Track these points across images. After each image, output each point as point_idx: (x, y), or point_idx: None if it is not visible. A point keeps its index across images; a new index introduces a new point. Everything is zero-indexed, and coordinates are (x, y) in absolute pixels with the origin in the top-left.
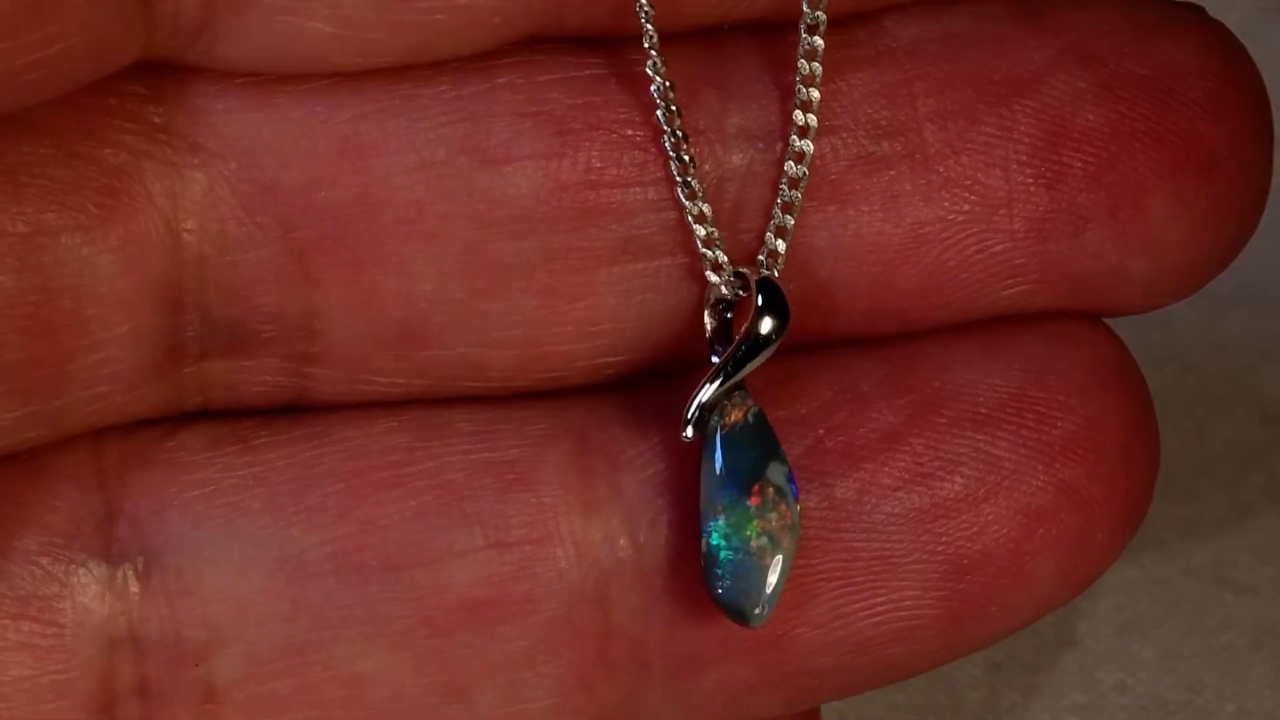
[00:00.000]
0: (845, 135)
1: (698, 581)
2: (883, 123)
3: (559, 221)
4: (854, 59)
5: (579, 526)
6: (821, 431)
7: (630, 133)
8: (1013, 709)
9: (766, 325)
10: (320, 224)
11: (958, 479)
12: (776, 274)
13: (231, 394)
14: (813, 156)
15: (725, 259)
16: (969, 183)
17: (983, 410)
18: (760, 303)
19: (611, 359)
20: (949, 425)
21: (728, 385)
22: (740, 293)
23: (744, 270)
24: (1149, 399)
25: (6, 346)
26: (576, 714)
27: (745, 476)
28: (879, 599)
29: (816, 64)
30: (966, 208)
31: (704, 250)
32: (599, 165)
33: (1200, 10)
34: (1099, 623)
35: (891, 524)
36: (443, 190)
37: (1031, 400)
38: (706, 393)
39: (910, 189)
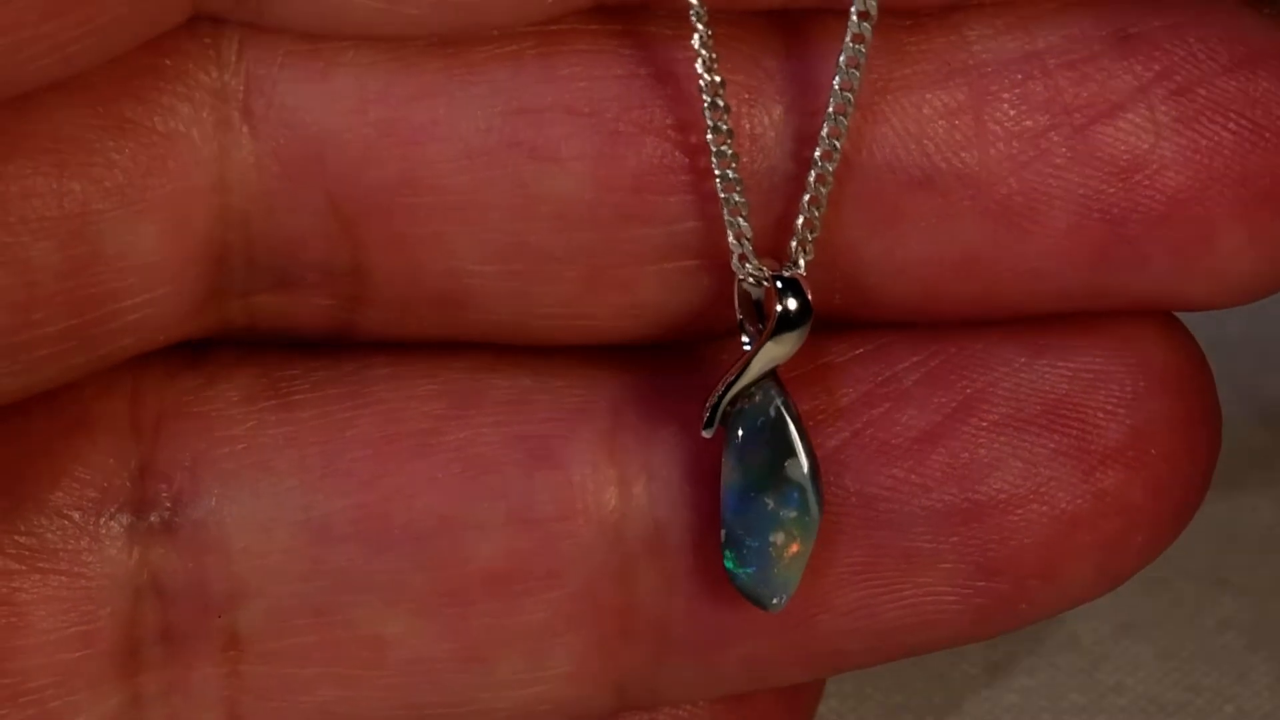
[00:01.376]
0: (904, 155)
1: (719, 563)
2: (946, 143)
3: (603, 221)
4: (925, 75)
5: (605, 504)
6: (859, 425)
7: (681, 137)
8: (1013, 709)
9: (786, 323)
10: (365, 199)
11: (992, 483)
12: (802, 269)
13: (278, 321)
14: (868, 171)
15: (752, 253)
16: (1029, 211)
17: (1024, 415)
18: (781, 300)
19: (654, 332)
20: (989, 428)
21: (746, 383)
22: (765, 284)
23: (764, 267)
24: (1210, 395)
25: (52, 320)
26: (597, 681)
27: (765, 471)
28: (905, 593)
29: (856, 71)
30: (1024, 236)
31: (732, 243)
32: (647, 171)
33: None
34: (1098, 623)
35: (921, 523)
36: (488, 180)
37: (1076, 407)
38: (726, 392)
39: (967, 212)
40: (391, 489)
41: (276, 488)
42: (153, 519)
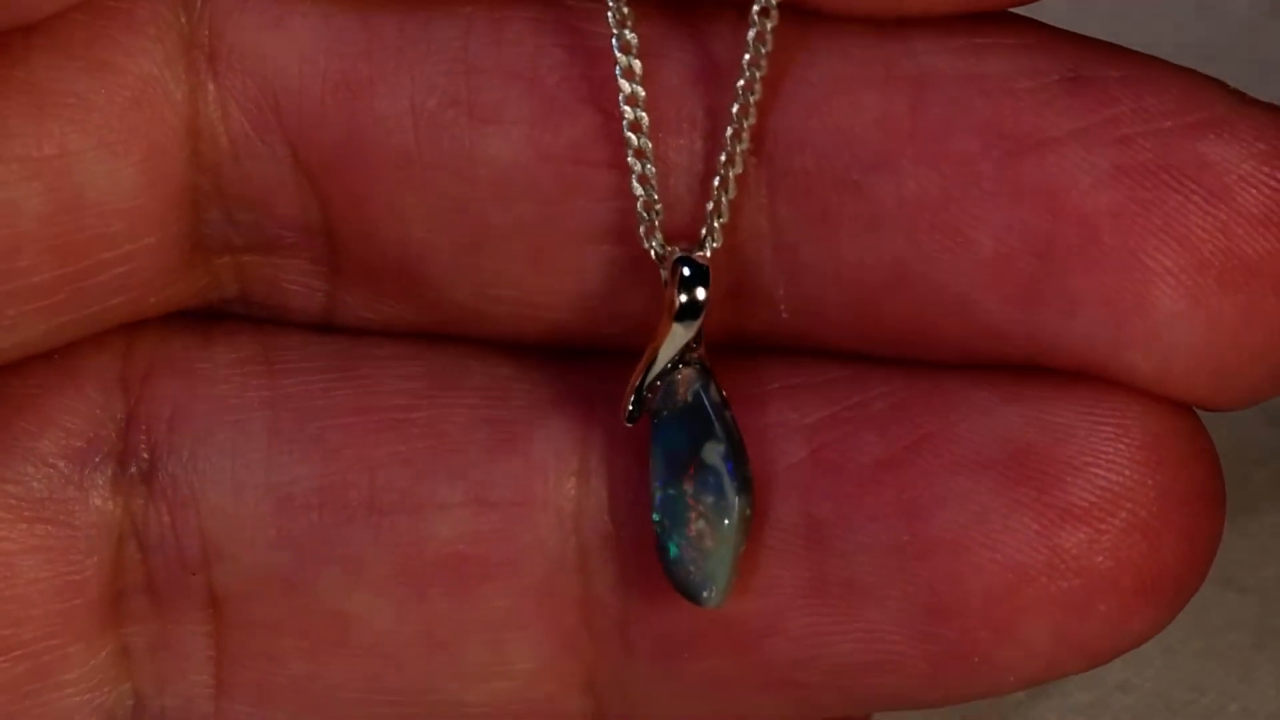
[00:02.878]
0: (833, 157)
1: None
2: (877, 148)
3: (542, 192)
4: (865, 77)
5: (564, 495)
6: (818, 444)
7: (619, 112)
8: (1017, 708)
9: (682, 304)
10: (323, 151)
11: (939, 521)
12: (708, 253)
13: (269, 289)
14: (798, 166)
15: (660, 226)
16: (954, 233)
17: (984, 458)
18: (676, 282)
19: (608, 332)
20: (945, 465)
21: (660, 369)
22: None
23: (667, 247)
24: (1206, 477)
25: (37, 268)
26: (565, 678)
27: (682, 458)
28: (853, 625)
29: (763, 47)
30: (950, 258)
31: (640, 213)
32: (583, 141)
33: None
34: None
35: (865, 552)
36: (430, 140)
37: (1041, 458)
38: (642, 380)
39: (892, 219)
40: (355, 460)
41: (246, 449)
42: (132, 470)
